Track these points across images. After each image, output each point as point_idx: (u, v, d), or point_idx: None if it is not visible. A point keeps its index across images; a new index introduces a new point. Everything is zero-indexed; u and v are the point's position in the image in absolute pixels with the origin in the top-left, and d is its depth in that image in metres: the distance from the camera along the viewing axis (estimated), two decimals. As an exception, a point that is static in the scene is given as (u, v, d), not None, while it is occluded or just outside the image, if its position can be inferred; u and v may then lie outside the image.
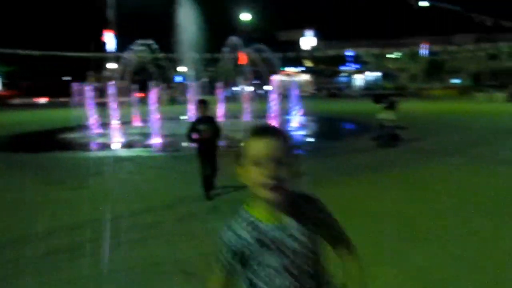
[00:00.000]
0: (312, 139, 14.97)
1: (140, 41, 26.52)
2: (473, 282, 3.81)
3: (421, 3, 28.09)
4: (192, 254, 4.59)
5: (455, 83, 68.34)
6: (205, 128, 6.48)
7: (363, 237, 4.84)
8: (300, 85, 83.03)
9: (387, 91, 62.54)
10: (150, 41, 26.80)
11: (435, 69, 67.10)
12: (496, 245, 4.65)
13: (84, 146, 13.95)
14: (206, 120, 6.61)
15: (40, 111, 40.69)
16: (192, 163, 9.88)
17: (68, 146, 13.91)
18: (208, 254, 4.49)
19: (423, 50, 64.02)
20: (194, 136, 6.60)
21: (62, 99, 77.35)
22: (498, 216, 5.61)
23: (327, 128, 18.58)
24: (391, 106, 12.03)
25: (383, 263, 4.20)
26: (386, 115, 11.82)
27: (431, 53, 66.91)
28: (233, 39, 26.57)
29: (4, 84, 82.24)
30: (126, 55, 27.39)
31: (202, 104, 6.71)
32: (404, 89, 64.58)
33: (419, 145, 12.12)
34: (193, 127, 6.61)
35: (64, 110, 41.67)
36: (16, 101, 72.06)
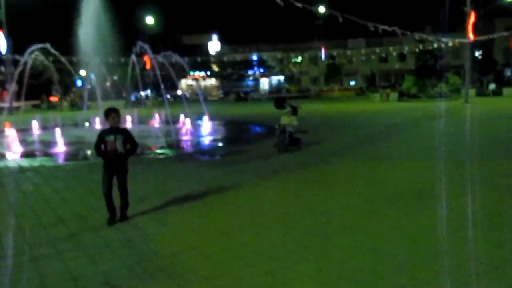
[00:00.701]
0: (220, 144, 15.13)
1: (37, 44, 24.60)
2: (389, 267, 4.16)
3: (319, 10, 29.80)
4: (114, 265, 4.46)
5: (352, 85, 73.56)
6: (113, 140, 5.71)
7: (281, 237, 5.13)
8: (208, 89, 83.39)
9: (291, 93, 65.30)
10: (47, 43, 25.01)
11: (334, 72, 71.41)
12: (403, 232, 5.15)
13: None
14: (116, 130, 5.81)
15: None
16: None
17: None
18: (131, 265, 4.45)
19: (322, 54, 67.62)
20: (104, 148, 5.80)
21: None
22: (402, 206, 6.19)
23: (235, 132, 18.89)
24: (294, 112, 12.03)
25: (304, 259, 4.43)
26: (289, 120, 11.64)
27: (329, 56, 70.98)
28: (138, 43, 25.83)
29: None
30: (21, 57, 25.23)
31: (114, 113, 5.81)
32: (306, 91, 68.04)
33: (322, 146, 12.82)
34: (102, 138, 5.80)
35: None
36: None
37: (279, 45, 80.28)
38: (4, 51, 28.63)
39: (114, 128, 5.83)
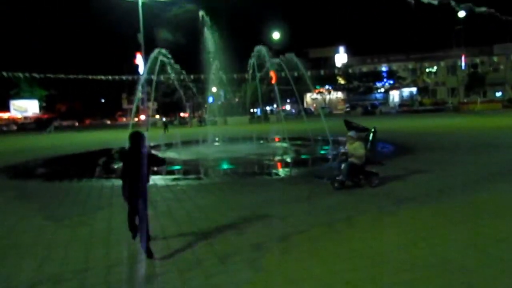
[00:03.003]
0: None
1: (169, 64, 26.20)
2: None
3: (459, 14, 26.55)
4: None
5: (499, 96, 65.16)
6: None
7: None
8: (333, 103, 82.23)
9: (424, 106, 60.36)
10: (178, 64, 26.48)
11: (476, 82, 64.14)
12: None
13: (110, 172, 13.34)
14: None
15: (78, 133, 41.31)
16: (211, 193, 9.02)
17: (94, 171, 13.33)
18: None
19: (462, 62, 61.21)
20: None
21: (101, 121, 79.66)
22: None
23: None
24: (372, 136, 9.29)
25: None
26: (352, 148, 8.76)
27: (471, 65, 64.03)
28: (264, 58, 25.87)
29: (42, 107, 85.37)
30: (154, 77, 27.10)
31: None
32: (443, 104, 62.14)
33: (463, 168, 10.73)
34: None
35: (100, 131, 42.21)
36: (54, 123, 74.83)
37: (412, 54, 75.38)
38: (142, 72, 31.21)
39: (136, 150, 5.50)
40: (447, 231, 5.75)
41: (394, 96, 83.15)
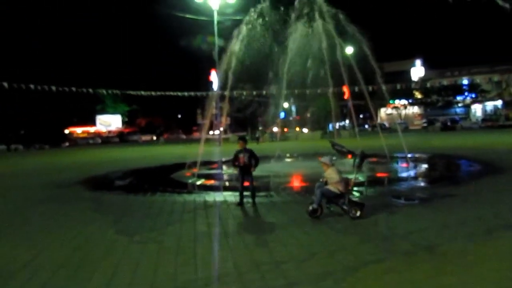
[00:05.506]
0: (421, 184, 12.80)
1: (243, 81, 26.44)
2: None
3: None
4: None
5: None
6: (243, 156, 9.43)
7: None
8: (409, 118, 78.76)
9: (511, 121, 55.83)
10: (250, 79, 26.68)
11: None
12: None
13: (188, 187, 13.56)
14: (244, 150, 9.55)
15: (157, 147, 43.20)
16: (282, 212, 8.67)
17: (171, 186, 13.57)
18: None
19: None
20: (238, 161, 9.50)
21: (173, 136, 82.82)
22: None
23: (441, 169, 16.10)
24: (360, 163, 8.22)
25: None
26: (327, 174, 8.03)
27: None
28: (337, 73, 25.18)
29: (124, 122, 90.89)
30: (228, 93, 27.45)
31: (241, 141, 9.95)
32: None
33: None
34: (236, 155, 9.57)
35: (176, 146, 43.67)
36: (134, 137, 79.30)
37: (496, 66, 70.38)
38: (216, 88, 31.98)
39: (243, 149, 9.58)
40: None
41: (476, 110, 77.92)
